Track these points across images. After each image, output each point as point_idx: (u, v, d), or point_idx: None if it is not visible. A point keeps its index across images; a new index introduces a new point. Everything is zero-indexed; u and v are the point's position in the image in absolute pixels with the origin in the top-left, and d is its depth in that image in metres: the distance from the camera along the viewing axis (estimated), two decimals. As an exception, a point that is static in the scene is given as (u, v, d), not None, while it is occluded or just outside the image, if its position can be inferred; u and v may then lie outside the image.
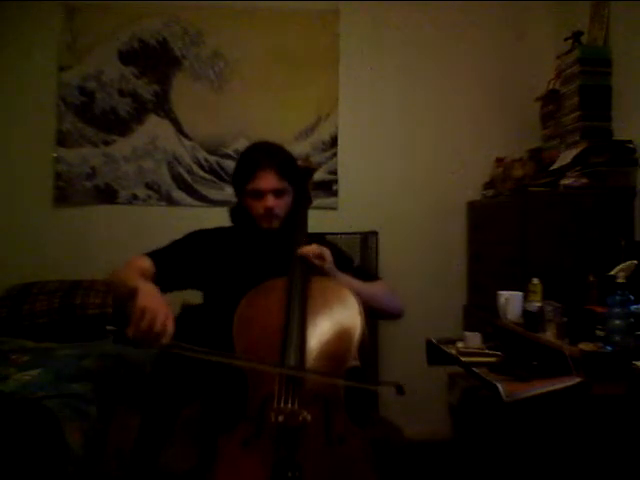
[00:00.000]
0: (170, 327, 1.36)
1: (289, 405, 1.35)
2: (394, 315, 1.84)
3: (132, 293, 1.42)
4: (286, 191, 1.76)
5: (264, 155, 1.76)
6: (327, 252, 1.65)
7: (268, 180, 1.72)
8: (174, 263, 1.74)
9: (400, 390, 1.39)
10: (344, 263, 1.78)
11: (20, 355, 2.32)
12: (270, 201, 1.72)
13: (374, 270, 2.96)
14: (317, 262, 1.62)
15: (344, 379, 1.45)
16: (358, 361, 1.50)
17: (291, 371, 1.40)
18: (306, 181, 1.88)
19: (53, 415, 1.86)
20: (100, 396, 2.14)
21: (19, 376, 2.08)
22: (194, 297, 1.86)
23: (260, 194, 1.73)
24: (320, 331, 1.52)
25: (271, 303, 1.57)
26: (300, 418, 1.34)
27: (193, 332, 1.82)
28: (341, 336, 1.52)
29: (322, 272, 1.64)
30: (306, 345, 1.47)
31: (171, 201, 3.23)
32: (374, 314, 1.80)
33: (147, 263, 1.70)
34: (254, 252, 1.79)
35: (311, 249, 1.63)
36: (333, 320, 1.55)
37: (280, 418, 1.33)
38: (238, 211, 1.83)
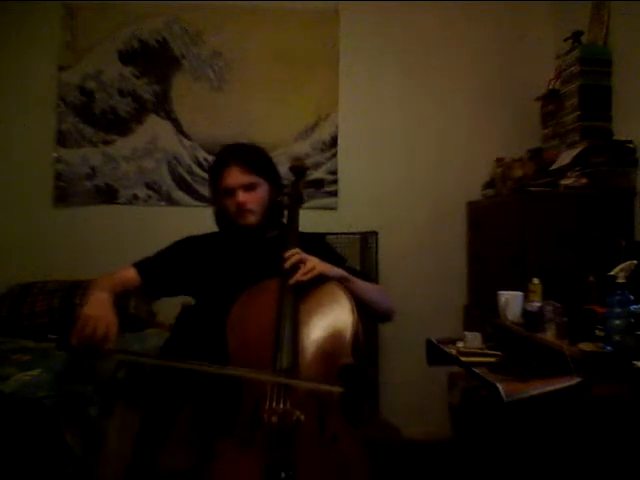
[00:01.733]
0: (112, 334, 1.42)
1: (282, 405, 1.35)
2: (386, 315, 1.83)
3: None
4: (257, 185, 1.77)
5: (228, 153, 1.80)
6: (311, 261, 1.61)
7: (234, 176, 1.74)
8: (161, 271, 1.77)
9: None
10: (335, 261, 1.77)
11: (20, 355, 2.31)
12: (240, 196, 1.74)
13: (373, 271, 2.96)
14: (304, 278, 1.58)
15: (337, 377, 1.45)
16: (352, 359, 1.50)
17: (279, 379, 1.40)
18: (298, 180, 1.89)
19: (53, 415, 1.86)
20: (100, 396, 2.14)
21: (19, 376, 2.08)
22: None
23: (230, 191, 1.75)
24: (312, 330, 1.52)
25: (263, 304, 1.57)
26: (294, 418, 1.34)
27: (191, 332, 1.82)
28: (334, 334, 1.52)
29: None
30: (299, 344, 1.47)
31: (171, 201, 3.23)
32: (365, 310, 1.79)
33: (131, 274, 1.74)
34: (243, 254, 1.79)
35: (296, 267, 1.59)
36: (325, 319, 1.56)
37: (273, 419, 1.33)
38: (220, 214, 1.85)
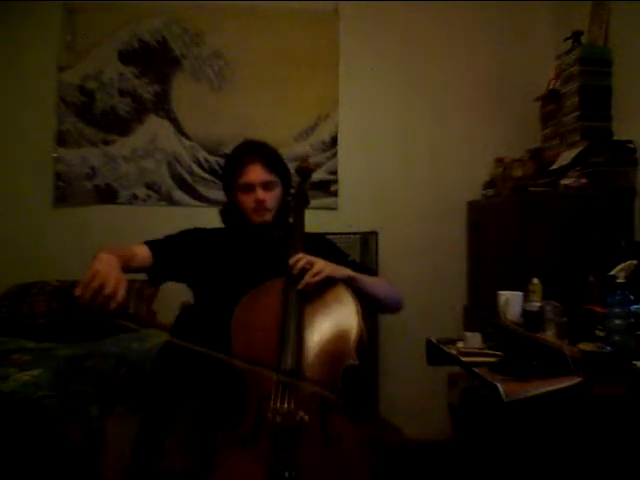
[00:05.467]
0: (120, 293, 1.35)
1: (286, 405, 1.36)
2: (393, 307, 1.84)
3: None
4: (275, 184, 1.80)
5: (250, 150, 1.81)
6: (318, 264, 1.60)
7: (256, 173, 1.76)
8: (171, 254, 1.76)
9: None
10: (339, 258, 1.78)
11: (20, 355, 2.32)
12: (260, 194, 1.76)
13: (373, 267, 2.96)
14: (312, 280, 1.58)
15: (341, 378, 1.46)
16: (356, 360, 1.50)
17: (285, 377, 1.39)
18: (304, 182, 1.89)
19: (54, 415, 1.87)
20: (100, 396, 2.14)
21: (19, 376, 2.08)
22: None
23: (250, 187, 1.76)
24: (317, 331, 1.52)
25: (268, 305, 1.57)
26: (297, 418, 1.34)
27: (192, 332, 1.81)
28: (338, 335, 1.52)
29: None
30: (303, 345, 1.47)
31: (171, 201, 3.23)
32: (374, 306, 1.80)
33: (144, 251, 1.72)
34: (248, 252, 1.79)
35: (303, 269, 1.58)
36: (330, 320, 1.56)
37: (277, 418, 1.34)
38: (229, 211, 1.85)
